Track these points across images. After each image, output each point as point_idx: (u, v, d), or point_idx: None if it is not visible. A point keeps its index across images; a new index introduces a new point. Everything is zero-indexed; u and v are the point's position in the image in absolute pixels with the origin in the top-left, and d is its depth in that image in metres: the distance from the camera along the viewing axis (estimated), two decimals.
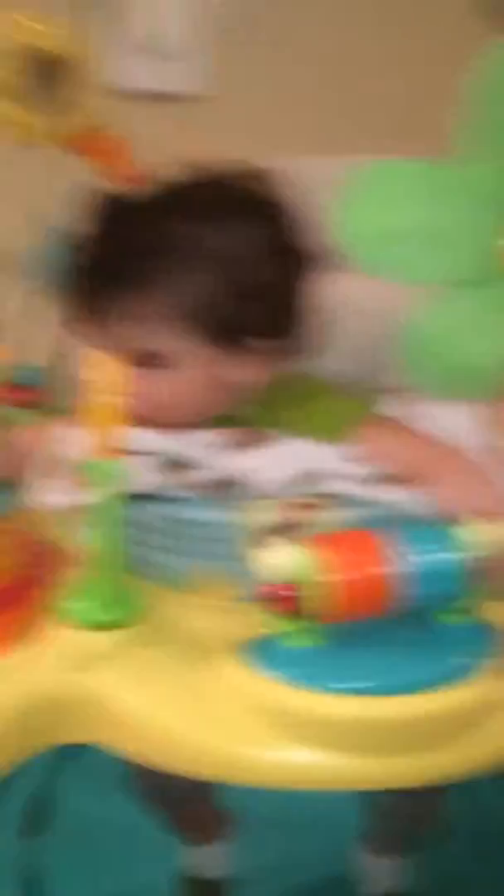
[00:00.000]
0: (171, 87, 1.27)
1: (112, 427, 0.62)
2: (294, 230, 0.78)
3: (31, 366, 1.05)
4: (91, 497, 0.64)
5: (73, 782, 0.95)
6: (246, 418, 0.80)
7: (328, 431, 0.78)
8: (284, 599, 0.61)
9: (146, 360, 0.75)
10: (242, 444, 0.75)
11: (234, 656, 0.63)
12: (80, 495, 0.76)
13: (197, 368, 0.76)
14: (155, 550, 0.72)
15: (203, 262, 0.74)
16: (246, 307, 0.75)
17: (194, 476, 0.74)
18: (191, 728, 0.62)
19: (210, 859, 0.97)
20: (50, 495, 0.73)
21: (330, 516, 0.72)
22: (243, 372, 0.78)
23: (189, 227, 0.75)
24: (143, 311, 0.75)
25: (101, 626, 0.65)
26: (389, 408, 0.83)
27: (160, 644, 0.67)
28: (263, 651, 0.63)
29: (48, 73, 0.87)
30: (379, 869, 0.99)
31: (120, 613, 0.65)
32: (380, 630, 0.64)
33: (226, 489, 0.73)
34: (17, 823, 0.89)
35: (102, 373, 0.62)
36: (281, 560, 0.61)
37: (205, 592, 0.71)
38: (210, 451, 0.74)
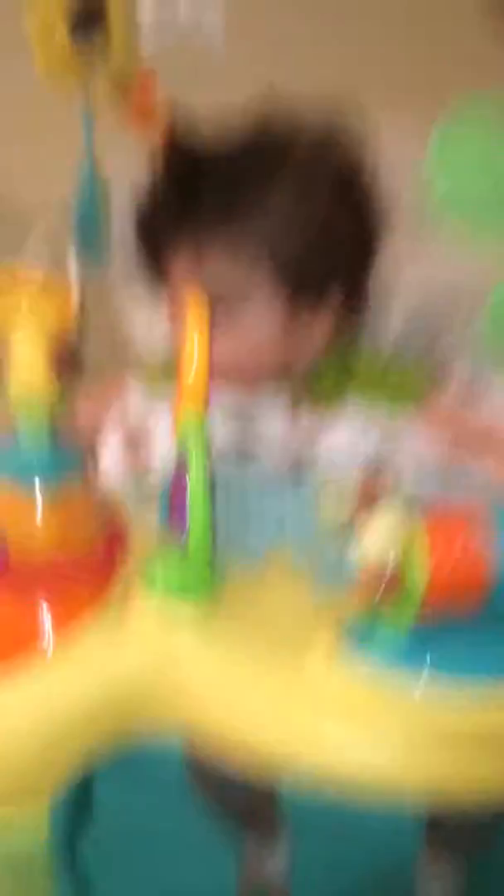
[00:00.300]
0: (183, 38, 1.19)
1: (200, 383, 0.56)
2: (372, 186, 0.74)
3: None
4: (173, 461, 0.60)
5: (119, 786, 0.89)
6: (309, 388, 0.75)
7: (396, 405, 0.73)
8: (384, 582, 0.56)
9: (217, 308, 0.69)
10: (313, 418, 0.71)
11: (326, 638, 0.58)
12: (149, 462, 0.72)
13: (268, 317, 0.72)
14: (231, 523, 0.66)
15: (279, 205, 0.70)
16: (321, 255, 0.71)
17: (266, 450, 0.69)
18: (281, 714, 0.56)
19: (270, 861, 0.92)
20: (115, 464, 0.68)
21: (407, 494, 0.68)
22: (312, 327, 0.73)
23: (266, 170, 0.71)
24: (215, 253, 0.70)
25: (187, 596, 0.60)
26: (455, 382, 0.79)
27: (244, 621, 0.61)
28: (358, 634, 0.58)
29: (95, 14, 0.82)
30: (436, 875, 0.95)
31: (205, 585, 0.60)
32: (477, 616, 0.59)
33: (299, 465, 0.69)
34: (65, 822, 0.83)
35: (187, 327, 0.56)
36: (381, 542, 0.57)
37: (283, 570, 0.66)
38: (282, 424, 0.70)
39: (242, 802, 0.86)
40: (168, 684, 0.59)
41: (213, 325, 0.61)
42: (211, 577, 0.60)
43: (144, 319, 0.93)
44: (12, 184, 1.17)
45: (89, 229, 0.93)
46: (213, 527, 0.58)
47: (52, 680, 0.59)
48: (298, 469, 0.70)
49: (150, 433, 0.73)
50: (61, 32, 0.78)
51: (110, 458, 0.71)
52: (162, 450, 0.71)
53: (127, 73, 0.91)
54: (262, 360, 0.73)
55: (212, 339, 0.60)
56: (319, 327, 0.74)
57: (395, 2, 1.33)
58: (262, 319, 0.72)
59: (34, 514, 0.61)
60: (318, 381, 0.75)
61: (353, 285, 0.74)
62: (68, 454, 0.62)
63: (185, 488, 0.59)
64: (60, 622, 0.61)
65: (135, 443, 0.73)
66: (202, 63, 1.10)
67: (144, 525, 0.64)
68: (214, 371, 0.60)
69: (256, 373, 0.73)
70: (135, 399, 0.74)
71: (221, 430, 0.71)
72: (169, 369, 0.81)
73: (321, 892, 0.95)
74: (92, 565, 0.62)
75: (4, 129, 1.19)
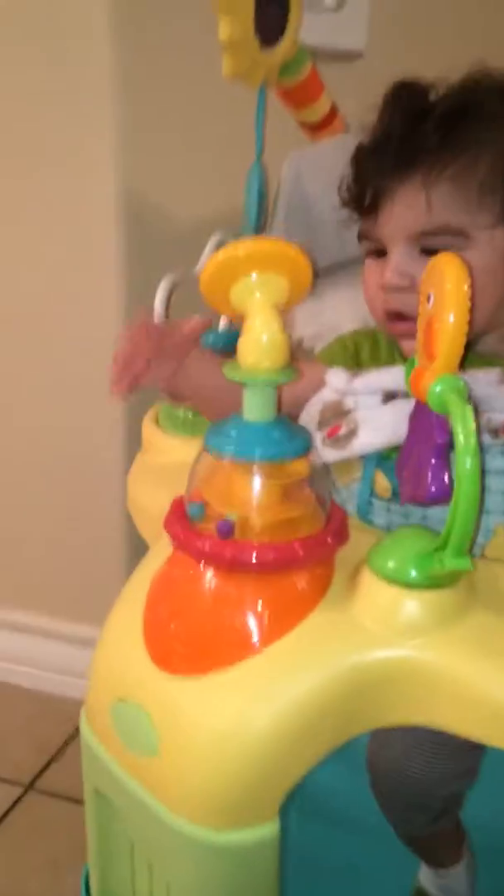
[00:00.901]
0: (328, 41, 1.18)
1: (459, 340, 0.52)
2: None
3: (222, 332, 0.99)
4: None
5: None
6: None
7: None
8: None
9: (435, 243, 0.69)
10: None
11: None
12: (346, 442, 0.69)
13: (490, 251, 0.69)
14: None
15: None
16: None
17: (490, 419, 0.65)
18: None
19: (456, 882, 0.87)
20: (326, 447, 0.66)
21: None
22: None
23: (493, 107, 0.70)
24: (437, 183, 0.69)
25: (426, 585, 0.56)
26: None
27: (486, 606, 0.57)
28: None
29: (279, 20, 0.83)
30: None
31: (462, 565, 0.54)
32: None
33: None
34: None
35: (445, 281, 0.53)
36: None
37: None
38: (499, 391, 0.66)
39: (434, 818, 0.80)
40: (410, 683, 0.55)
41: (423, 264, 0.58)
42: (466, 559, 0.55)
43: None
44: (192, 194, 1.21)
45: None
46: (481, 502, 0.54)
47: (287, 672, 0.56)
48: None
49: (350, 413, 0.70)
50: (251, 38, 0.80)
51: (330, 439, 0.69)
52: (365, 433, 0.69)
53: (299, 69, 0.91)
54: (482, 302, 0.68)
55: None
56: None
57: None
58: (484, 254, 0.69)
59: (262, 490, 0.59)
60: None
61: None
62: (296, 430, 0.60)
63: (422, 455, 0.55)
64: (290, 608, 0.58)
65: (333, 422, 0.71)
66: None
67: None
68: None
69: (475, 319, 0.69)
70: (333, 378, 0.72)
71: None
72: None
73: None
74: (318, 545, 0.59)
75: (173, 142, 1.21)
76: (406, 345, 0.75)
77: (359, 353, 0.80)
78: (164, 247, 1.24)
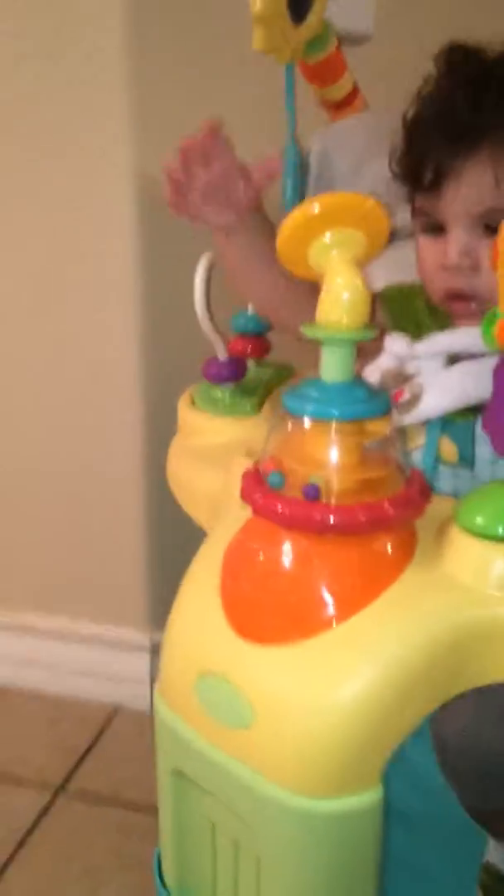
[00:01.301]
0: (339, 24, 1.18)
1: None
2: None
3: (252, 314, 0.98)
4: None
5: None
6: None
7: None
8: None
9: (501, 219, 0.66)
10: None
11: None
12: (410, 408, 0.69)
13: None
14: None
15: None
16: None
17: None
18: None
19: None
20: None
21: None
22: None
23: None
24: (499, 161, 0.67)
25: None
26: None
27: None
28: None
29: None
30: None
31: None
32: None
33: None
34: None
35: None
36: None
37: None
38: None
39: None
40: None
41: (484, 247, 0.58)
42: None
43: None
44: None
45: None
46: None
47: (384, 633, 0.55)
48: None
49: (413, 378, 0.69)
50: (283, 12, 0.80)
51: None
52: (432, 396, 0.68)
53: (324, 46, 0.91)
54: None
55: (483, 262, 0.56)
56: None
57: None
58: None
59: (346, 451, 0.58)
60: None
61: None
62: (375, 389, 0.59)
63: None
64: (381, 570, 0.58)
65: (395, 388, 0.70)
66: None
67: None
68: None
69: None
70: (393, 344, 0.71)
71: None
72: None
73: None
74: (408, 503, 0.58)
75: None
76: (462, 323, 0.73)
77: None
78: (181, 243, 1.23)
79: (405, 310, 0.79)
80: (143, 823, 1.18)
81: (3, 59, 1.23)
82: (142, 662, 1.41)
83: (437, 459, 0.70)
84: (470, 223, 0.70)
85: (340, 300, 0.56)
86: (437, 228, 0.72)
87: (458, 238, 0.70)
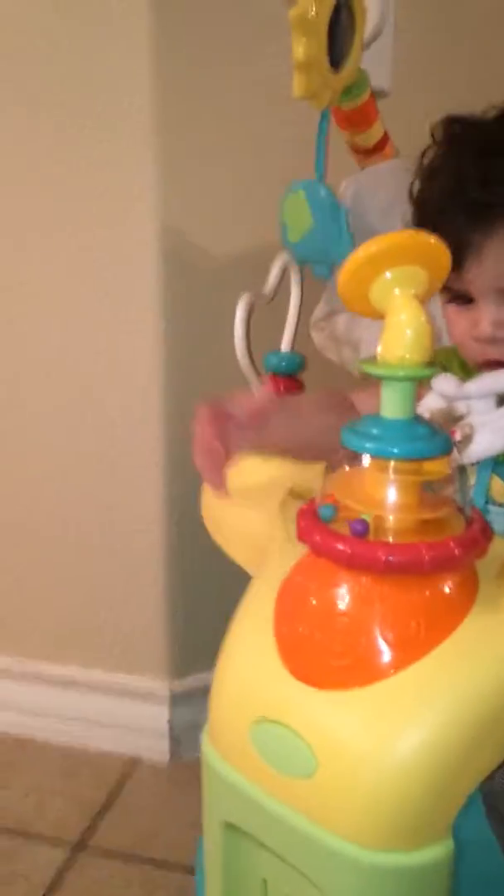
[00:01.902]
0: None
1: None
2: None
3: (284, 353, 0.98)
4: None
5: None
6: None
7: None
8: None
9: None
10: None
11: None
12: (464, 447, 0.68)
13: None
14: None
15: None
16: None
17: None
18: None
19: None
20: None
21: None
22: None
23: None
24: None
25: None
26: None
27: None
28: None
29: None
30: None
31: None
32: None
33: None
34: None
35: None
36: None
37: None
38: None
39: None
40: None
41: None
42: None
43: None
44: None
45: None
46: None
47: (452, 680, 0.54)
48: None
49: (464, 419, 0.69)
50: (324, 59, 0.82)
51: None
52: (484, 436, 0.67)
53: (360, 93, 0.93)
54: None
55: None
56: None
57: None
58: None
59: (404, 490, 0.57)
60: None
61: None
62: (436, 428, 0.59)
63: None
64: (447, 611, 0.56)
65: (445, 428, 0.69)
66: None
67: None
68: None
69: None
70: (442, 384, 0.70)
71: None
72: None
73: None
74: (472, 543, 0.57)
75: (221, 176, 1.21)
76: None
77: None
78: (205, 283, 1.24)
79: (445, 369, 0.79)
80: (167, 880, 1.14)
81: (33, 108, 1.25)
82: (161, 712, 1.38)
83: (488, 500, 0.69)
84: (497, 296, 0.70)
85: (403, 336, 0.56)
86: (463, 298, 0.72)
87: (488, 312, 0.70)
